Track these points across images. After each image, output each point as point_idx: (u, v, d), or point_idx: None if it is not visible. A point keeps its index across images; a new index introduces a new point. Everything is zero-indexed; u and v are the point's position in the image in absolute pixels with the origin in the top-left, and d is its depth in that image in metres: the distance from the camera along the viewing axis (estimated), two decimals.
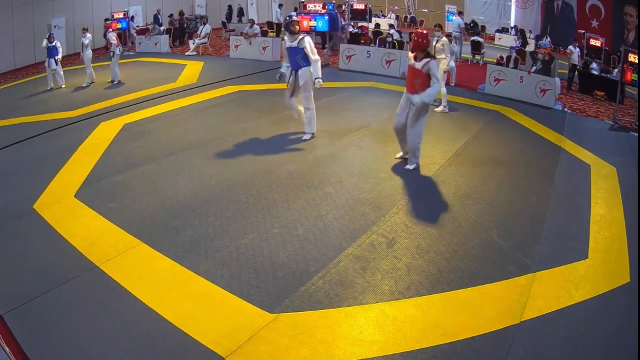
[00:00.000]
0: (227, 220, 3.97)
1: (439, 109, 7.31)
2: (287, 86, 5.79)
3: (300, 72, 5.60)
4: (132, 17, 13.55)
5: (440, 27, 7.85)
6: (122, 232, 3.77)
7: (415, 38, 4.77)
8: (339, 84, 9.03)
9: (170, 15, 14.97)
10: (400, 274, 3.31)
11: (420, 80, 4.73)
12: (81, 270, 3.29)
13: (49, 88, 9.05)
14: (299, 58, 5.57)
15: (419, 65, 4.69)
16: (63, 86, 9.16)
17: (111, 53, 9.22)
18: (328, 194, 4.43)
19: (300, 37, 5.55)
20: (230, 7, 16.45)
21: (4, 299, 2.99)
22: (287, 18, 6.15)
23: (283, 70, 5.83)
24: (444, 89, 7.24)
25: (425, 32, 4.84)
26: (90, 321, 2.82)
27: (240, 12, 16.71)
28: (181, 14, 14.96)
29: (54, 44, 8.93)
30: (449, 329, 2.80)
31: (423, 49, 4.71)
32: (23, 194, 4.49)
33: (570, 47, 10.46)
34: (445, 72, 7.32)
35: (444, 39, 7.38)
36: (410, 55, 4.83)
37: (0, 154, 5.67)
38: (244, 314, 2.88)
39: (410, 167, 5.02)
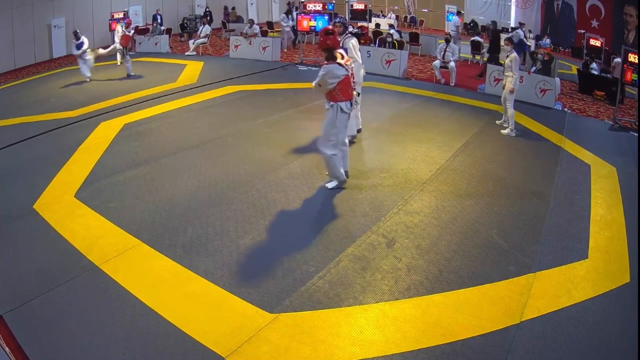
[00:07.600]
0: (227, 220, 3.97)
1: (506, 131, 6.44)
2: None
3: None
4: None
5: (510, 41, 6.62)
6: (122, 232, 3.77)
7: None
8: None
9: (225, 8, 16.60)
10: (400, 274, 3.31)
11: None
12: (81, 270, 3.29)
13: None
14: None
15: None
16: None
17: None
18: (328, 194, 4.43)
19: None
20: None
21: (4, 299, 2.99)
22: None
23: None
24: (511, 110, 6.42)
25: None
26: (90, 321, 2.82)
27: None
28: (226, 8, 16.57)
29: (81, 40, 9.09)
30: (449, 329, 2.80)
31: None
32: (23, 194, 4.49)
33: (617, 59, 10.18)
34: (511, 91, 6.34)
35: (514, 54, 6.37)
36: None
37: (0, 154, 5.67)
38: (244, 314, 2.89)
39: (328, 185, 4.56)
